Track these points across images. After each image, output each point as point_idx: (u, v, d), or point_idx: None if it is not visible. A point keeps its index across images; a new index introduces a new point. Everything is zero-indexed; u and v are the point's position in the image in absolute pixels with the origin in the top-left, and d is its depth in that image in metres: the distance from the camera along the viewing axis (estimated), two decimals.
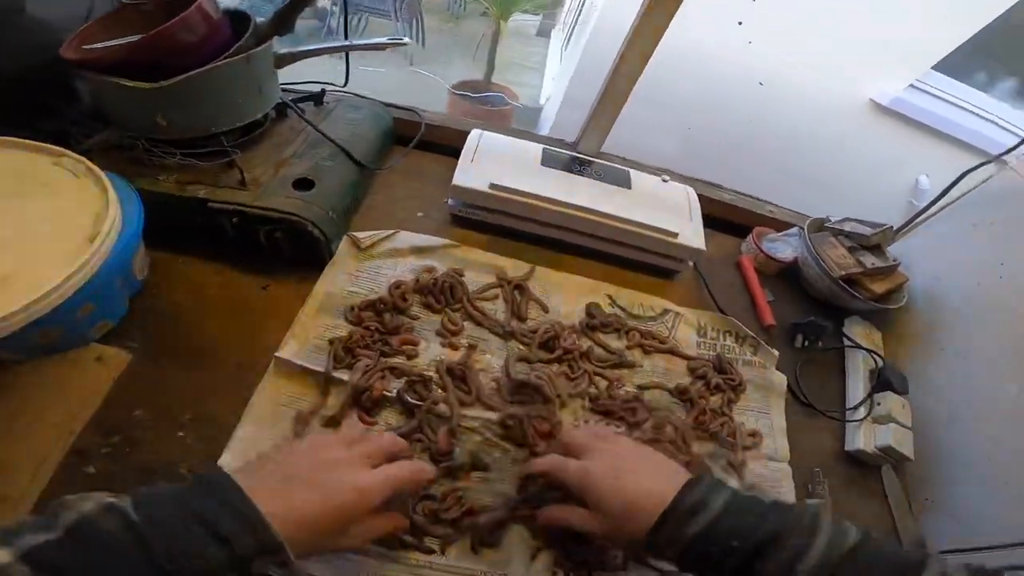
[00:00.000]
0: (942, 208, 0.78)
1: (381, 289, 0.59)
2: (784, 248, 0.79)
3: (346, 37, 0.66)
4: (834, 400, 0.70)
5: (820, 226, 0.79)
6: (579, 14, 2.70)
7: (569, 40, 3.05)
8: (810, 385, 0.69)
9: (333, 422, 0.48)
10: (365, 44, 0.64)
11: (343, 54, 0.71)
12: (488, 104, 2.54)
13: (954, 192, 0.77)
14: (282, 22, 0.57)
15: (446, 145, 0.78)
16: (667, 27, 0.64)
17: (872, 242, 0.74)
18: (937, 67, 1.72)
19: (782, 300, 0.77)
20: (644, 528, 0.38)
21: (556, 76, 3.06)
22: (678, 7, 0.63)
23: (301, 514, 0.33)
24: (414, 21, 3.55)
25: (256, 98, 0.60)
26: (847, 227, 0.76)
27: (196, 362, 0.51)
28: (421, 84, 3.18)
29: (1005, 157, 0.73)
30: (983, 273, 0.70)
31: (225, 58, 0.54)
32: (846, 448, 0.65)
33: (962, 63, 1.75)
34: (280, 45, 0.62)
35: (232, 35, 0.58)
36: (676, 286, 0.72)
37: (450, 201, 0.67)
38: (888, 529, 0.61)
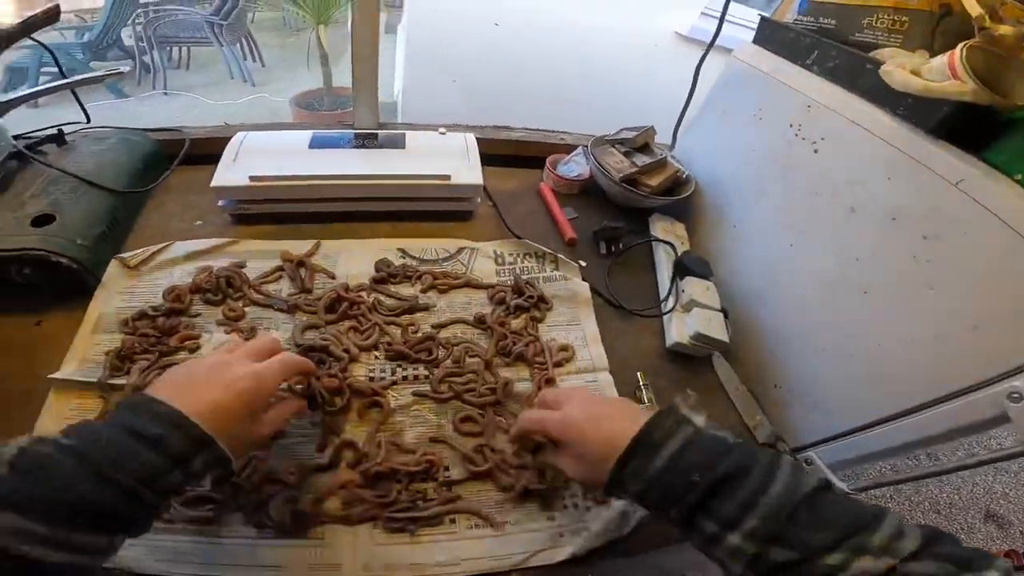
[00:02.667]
0: (701, 105, 0.89)
1: (158, 299, 0.61)
2: (575, 168, 0.87)
3: (62, 75, 0.66)
4: (651, 299, 0.76)
5: (602, 141, 0.89)
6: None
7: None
8: (624, 288, 0.76)
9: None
10: (82, 79, 0.65)
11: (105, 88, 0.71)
12: (332, 109, 2.53)
13: (705, 87, 0.88)
14: None
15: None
16: None
17: (639, 143, 0.84)
18: None
19: (588, 215, 0.85)
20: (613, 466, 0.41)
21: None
22: None
23: (208, 403, 0.37)
24: (242, 43, 3.45)
25: None
26: (622, 136, 0.86)
27: None
28: (263, 104, 3.11)
29: (731, 48, 0.85)
30: (741, 152, 0.80)
31: None
32: (667, 345, 0.70)
33: None
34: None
35: None
36: (475, 225, 0.79)
37: (221, 203, 0.69)
38: (738, 425, 0.65)
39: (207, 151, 0.79)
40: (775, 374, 0.71)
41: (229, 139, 0.74)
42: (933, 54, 0.61)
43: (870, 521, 0.35)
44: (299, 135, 0.75)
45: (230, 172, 0.67)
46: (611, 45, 1.90)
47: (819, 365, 0.67)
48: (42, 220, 0.59)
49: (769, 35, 0.78)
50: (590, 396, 0.49)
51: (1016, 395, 0.46)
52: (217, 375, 0.40)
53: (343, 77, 2.93)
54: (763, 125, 0.77)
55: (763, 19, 0.79)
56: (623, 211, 0.87)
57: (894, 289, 0.58)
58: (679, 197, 0.85)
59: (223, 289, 0.61)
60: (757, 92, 0.78)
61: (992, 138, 0.52)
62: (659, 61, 1.91)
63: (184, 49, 3.51)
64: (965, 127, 0.53)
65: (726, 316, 0.73)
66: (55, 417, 0.51)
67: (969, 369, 0.50)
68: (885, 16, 0.65)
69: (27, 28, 0.56)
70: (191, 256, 0.66)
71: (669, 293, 0.76)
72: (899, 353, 0.57)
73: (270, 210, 0.70)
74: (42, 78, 2.97)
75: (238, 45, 3.41)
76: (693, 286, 0.74)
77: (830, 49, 0.68)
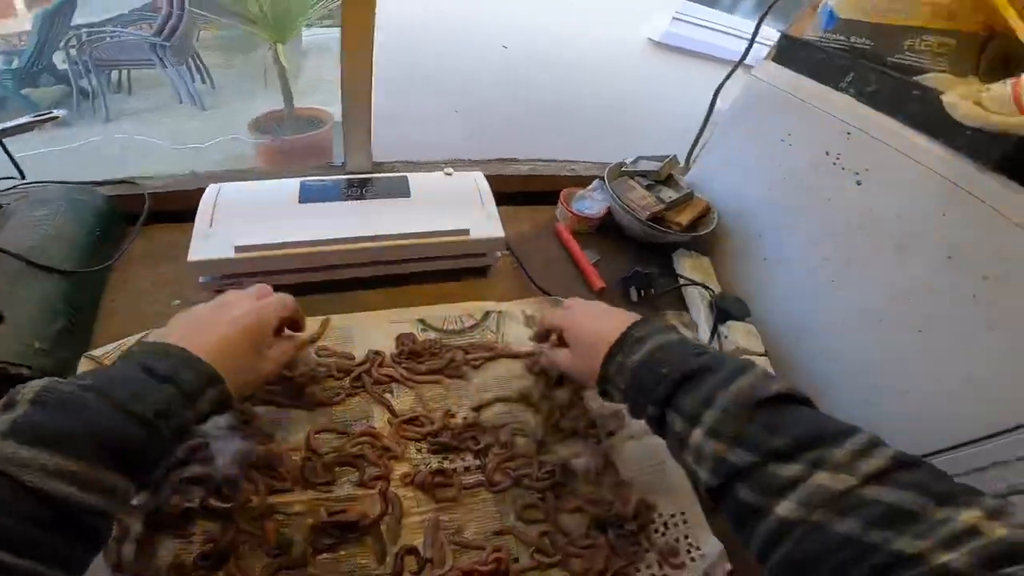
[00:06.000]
0: (715, 125, 0.84)
1: None
2: (593, 204, 0.80)
3: None
4: None
5: (619, 172, 0.82)
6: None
7: None
8: None
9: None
10: (7, 128, 0.52)
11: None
12: (296, 133, 2.38)
13: (722, 107, 0.83)
14: None
15: (193, 209, 0.68)
16: (373, 15, 0.60)
17: (663, 175, 0.77)
18: None
19: (611, 255, 0.78)
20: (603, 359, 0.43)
21: None
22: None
23: (216, 341, 0.39)
24: (189, 64, 3.25)
25: None
26: (641, 166, 0.79)
27: None
28: (220, 130, 2.92)
29: (749, 64, 0.80)
30: (769, 180, 0.75)
31: None
32: None
33: None
34: None
35: None
36: (495, 281, 0.70)
37: (202, 279, 0.58)
38: None
39: (173, 206, 0.68)
40: (820, 408, 0.67)
41: (197, 191, 0.62)
42: (981, 79, 0.58)
43: (836, 434, 0.33)
44: (285, 186, 0.63)
45: (209, 242, 0.56)
46: (584, 55, 1.84)
47: (868, 400, 0.63)
48: None
49: (792, 54, 0.73)
50: (588, 304, 0.52)
51: None
52: (221, 314, 0.42)
53: (302, 98, 2.79)
54: (794, 152, 0.71)
55: (784, 36, 0.74)
56: (645, 248, 0.80)
57: (951, 328, 0.55)
58: (705, 232, 0.79)
59: None
60: (784, 115, 0.72)
61: None
62: (637, 70, 1.86)
63: (125, 72, 3.28)
64: None
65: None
66: None
67: None
68: (931, 38, 0.61)
69: None
70: None
71: (711, 340, 0.70)
72: (955, 391, 0.55)
73: (265, 283, 0.60)
74: None
75: (185, 66, 3.20)
76: (735, 331, 0.69)
77: (868, 72, 0.63)
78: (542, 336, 0.56)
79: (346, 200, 0.63)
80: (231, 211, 0.60)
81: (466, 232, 0.62)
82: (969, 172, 0.52)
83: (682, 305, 0.76)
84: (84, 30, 2.97)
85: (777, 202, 0.74)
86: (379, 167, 0.76)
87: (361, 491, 0.47)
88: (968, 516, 0.26)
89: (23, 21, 3.11)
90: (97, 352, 0.52)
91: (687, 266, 0.79)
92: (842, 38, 0.68)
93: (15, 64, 2.89)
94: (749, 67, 0.79)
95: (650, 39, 1.98)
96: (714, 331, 0.70)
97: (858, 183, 0.63)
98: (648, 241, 0.80)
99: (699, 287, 0.75)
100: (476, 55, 1.66)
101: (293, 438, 0.49)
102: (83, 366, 0.51)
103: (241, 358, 0.40)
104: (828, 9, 0.70)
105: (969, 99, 0.52)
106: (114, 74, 3.27)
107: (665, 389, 0.38)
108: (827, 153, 0.67)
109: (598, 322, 0.47)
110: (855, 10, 0.66)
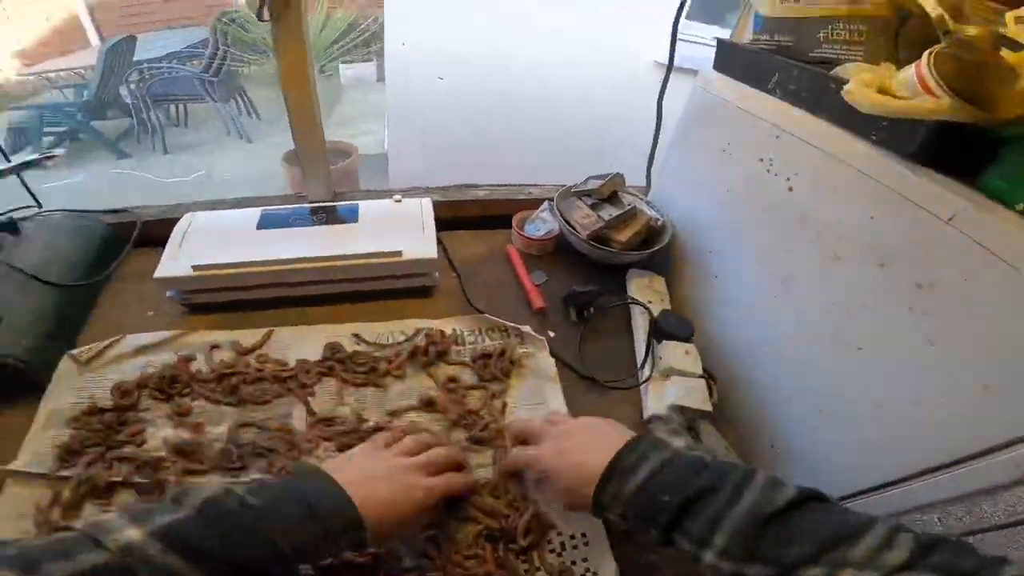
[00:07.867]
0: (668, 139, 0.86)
1: (107, 395, 0.62)
2: (542, 226, 0.87)
3: (7, 159, 0.69)
4: (629, 367, 0.73)
5: (569, 193, 0.87)
6: None
7: None
8: (599, 356, 0.72)
9: (72, 513, 0.51)
10: (18, 165, 0.68)
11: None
12: None
13: (672, 120, 0.86)
14: None
15: None
16: (307, 50, 0.71)
17: (606, 193, 0.82)
18: (690, 16, 1.94)
19: (560, 276, 0.84)
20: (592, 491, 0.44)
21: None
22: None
23: (383, 503, 0.44)
24: (236, 99, 3.60)
25: None
26: (589, 186, 0.84)
27: None
28: (259, 161, 3.22)
29: (695, 71, 0.81)
30: (715, 192, 0.76)
31: None
32: (644, 416, 0.66)
33: (708, 8, 1.99)
34: None
35: None
36: (437, 301, 0.78)
37: (169, 294, 0.70)
38: None
39: (163, 232, 0.81)
40: (770, 434, 0.68)
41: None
42: (899, 66, 0.52)
43: (853, 532, 0.34)
44: (248, 214, 0.76)
45: (174, 261, 0.68)
46: (587, 80, 1.91)
47: (816, 427, 0.62)
48: None
49: (728, 59, 0.74)
50: (564, 426, 0.52)
51: None
52: (397, 478, 0.47)
53: (337, 129, 3.02)
54: (733, 161, 0.72)
55: (720, 42, 0.75)
56: (598, 269, 0.85)
57: (890, 346, 0.53)
58: (653, 249, 0.83)
59: (166, 388, 0.62)
60: (723, 124, 0.73)
61: (984, 161, 0.45)
62: (640, 93, 1.91)
63: (180, 106, 3.67)
64: (951, 150, 0.46)
65: (713, 379, 0.70)
66: (8, 505, 0.52)
67: (981, 433, 0.45)
68: (841, 27, 0.58)
69: None
70: (141, 350, 0.67)
71: (645, 360, 0.72)
72: (902, 415, 0.53)
73: (221, 299, 0.71)
74: (46, 139, 3.14)
75: (232, 101, 3.55)
76: (671, 351, 0.70)
77: (790, 69, 0.62)
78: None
79: (298, 226, 0.74)
80: (198, 236, 0.72)
81: (399, 254, 0.71)
82: (892, 167, 0.50)
83: (628, 326, 0.80)
84: (145, 65, 3.36)
85: (723, 216, 0.75)
86: (340, 196, 0.87)
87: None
88: None
89: (93, 54, 3.48)
90: (76, 351, 0.65)
91: (637, 286, 0.83)
92: (768, 38, 0.67)
93: (85, 95, 3.31)
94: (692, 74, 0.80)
95: (656, 61, 2.03)
96: (648, 353, 0.73)
97: (790, 189, 0.63)
98: (601, 262, 0.85)
99: (640, 306, 0.79)
100: (486, 87, 1.78)
101: (218, 429, 0.59)
102: (64, 362, 0.64)
103: (398, 520, 0.45)
104: (755, 11, 0.69)
105: (874, 86, 0.49)
106: (171, 108, 3.68)
107: (668, 517, 0.39)
108: (761, 160, 0.66)
109: (571, 458, 0.47)
110: (775, 7, 0.65)
